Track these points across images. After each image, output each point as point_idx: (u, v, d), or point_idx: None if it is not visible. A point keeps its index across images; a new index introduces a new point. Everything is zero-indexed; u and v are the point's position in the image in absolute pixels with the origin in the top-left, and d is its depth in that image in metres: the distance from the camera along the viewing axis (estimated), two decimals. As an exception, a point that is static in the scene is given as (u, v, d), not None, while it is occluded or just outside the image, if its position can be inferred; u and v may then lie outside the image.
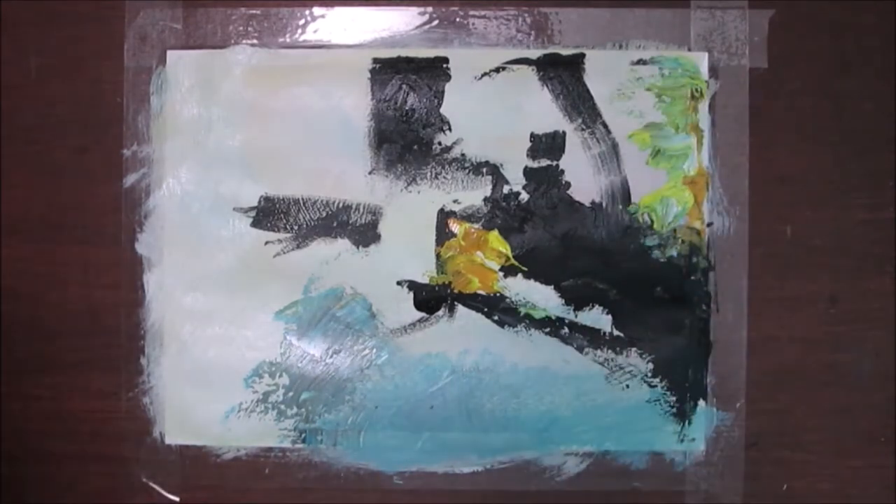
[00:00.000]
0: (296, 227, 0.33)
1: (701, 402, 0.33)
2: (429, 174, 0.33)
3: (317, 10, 0.33)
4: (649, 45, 0.33)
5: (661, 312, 0.33)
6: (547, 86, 0.33)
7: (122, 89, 0.33)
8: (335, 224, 0.33)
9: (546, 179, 0.33)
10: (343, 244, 0.33)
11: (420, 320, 0.33)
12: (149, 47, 0.33)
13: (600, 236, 0.33)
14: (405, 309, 0.33)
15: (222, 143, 0.33)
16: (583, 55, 0.33)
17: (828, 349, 0.33)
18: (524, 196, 0.33)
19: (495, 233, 0.33)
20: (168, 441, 0.33)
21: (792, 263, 0.33)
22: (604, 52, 0.33)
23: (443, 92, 0.33)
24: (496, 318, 0.32)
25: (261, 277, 0.33)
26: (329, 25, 0.33)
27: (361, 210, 0.33)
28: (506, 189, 0.33)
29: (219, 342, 0.33)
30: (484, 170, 0.33)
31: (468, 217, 0.33)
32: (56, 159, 0.33)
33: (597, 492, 0.33)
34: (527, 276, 0.33)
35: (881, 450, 0.33)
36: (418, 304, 0.33)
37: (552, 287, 0.33)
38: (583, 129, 0.33)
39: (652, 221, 0.32)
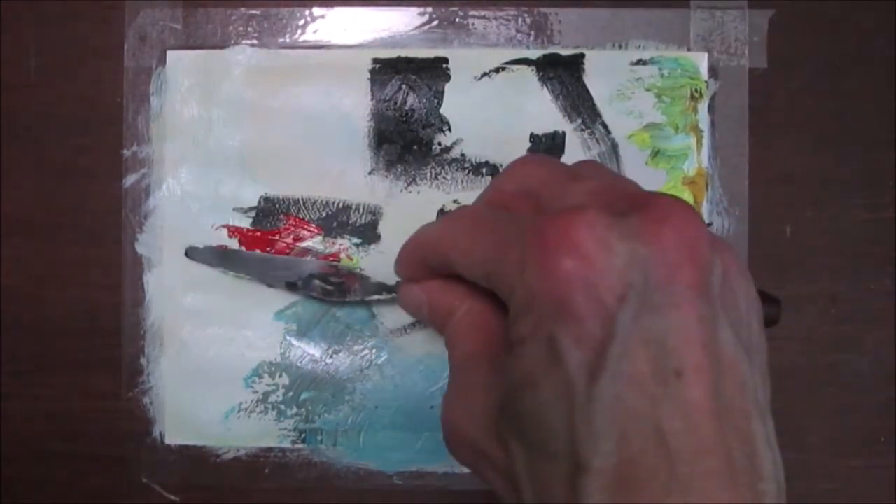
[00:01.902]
0: (296, 227, 0.33)
1: (701, 402, 0.32)
2: (429, 174, 0.33)
3: (317, 10, 0.33)
4: (649, 46, 0.33)
5: (661, 312, 0.32)
6: (547, 86, 0.33)
7: (122, 89, 0.33)
8: (335, 224, 0.33)
9: (546, 179, 0.33)
10: (343, 244, 0.33)
11: (420, 320, 0.33)
12: (149, 47, 0.33)
13: (600, 236, 0.32)
14: (405, 309, 0.33)
15: (222, 143, 0.33)
16: (583, 55, 0.33)
17: (828, 349, 0.33)
18: (524, 196, 0.33)
19: (495, 233, 0.33)
20: (168, 441, 0.33)
21: (792, 263, 0.33)
22: (604, 52, 0.33)
23: (443, 92, 0.33)
24: None
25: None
26: (329, 25, 0.33)
27: (361, 210, 0.33)
28: (506, 189, 0.33)
29: (219, 342, 0.33)
30: (484, 170, 0.33)
31: (468, 217, 0.33)
32: (56, 159, 0.33)
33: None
34: (527, 276, 0.33)
35: (881, 450, 0.33)
36: (418, 304, 0.33)
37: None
38: (583, 130, 0.33)
39: (652, 221, 0.32)
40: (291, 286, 0.32)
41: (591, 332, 0.17)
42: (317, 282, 0.31)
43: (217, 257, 0.32)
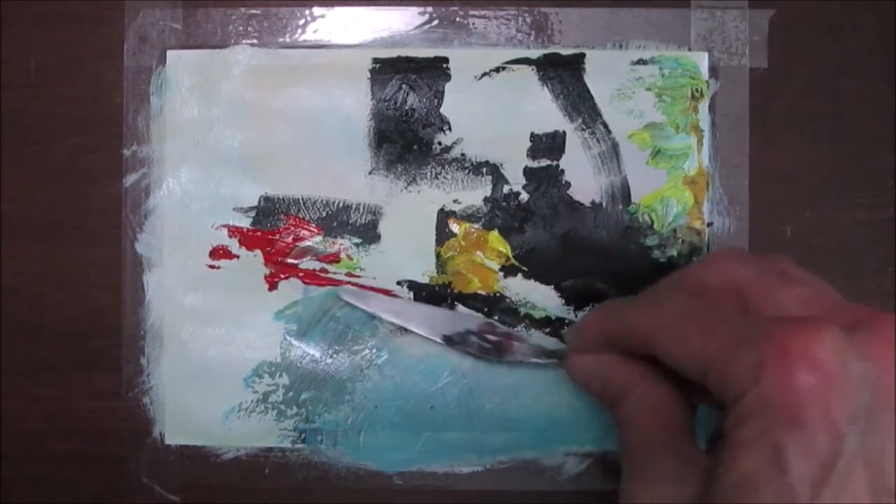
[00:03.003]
0: (296, 227, 0.33)
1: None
2: (429, 174, 0.33)
3: (317, 10, 0.33)
4: (649, 45, 0.33)
5: (662, 312, 0.33)
6: (547, 86, 0.33)
7: (122, 89, 0.33)
8: (335, 224, 0.33)
9: (546, 179, 0.33)
10: (343, 244, 0.33)
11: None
12: (149, 47, 0.33)
13: (600, 236, 0.33)
14: (405, 309, 0.33)
15: (222, 143, 0.33)
16: (583, 55, 0.33)
17: (828, 349, 0.33)
18: (524, 196, 0.33)
19: (495, 233, 0.33)
20: (168, 441, 0.33)
21: (792, 263, 0.33)
22: (604, 52, 0.33)
23: (443, 92, 0.33)
24: (496, 318, 0.32)
25: (261, 277, 0.33)
26: (329, 25, 0.33)
27: (361, 210, 0.33)
28: (506, 189, 0.33)
29: (219, 342, 0.33)
30: (484, 170, 0.33)
31: (468, 217, 0.33)
32: (56, 159, 0.33)
33: (597, 492, 0.33)
34: (527, 276, 0.33)
35: (881, 450, 0.33)
36: (418, 304, 0.33)
37: (552, 287, 0.33)
38: (583, 129, 0.33)
39: (652, 221, 0.32)
40: (448, 339, 0.31)
41: (821, 448, 0.18)
42: (474, 338, 0.31)
43: (369, 302, 0.32)
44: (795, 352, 0.19)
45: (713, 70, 0.33)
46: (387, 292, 0.33)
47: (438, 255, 0.33)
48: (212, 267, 0.33)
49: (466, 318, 0.32)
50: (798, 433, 0.18)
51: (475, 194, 0.33)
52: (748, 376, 0.20)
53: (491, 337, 0.31)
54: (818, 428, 0.18)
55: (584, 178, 0.33)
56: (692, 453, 0.23)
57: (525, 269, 0.33)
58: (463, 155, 0.33)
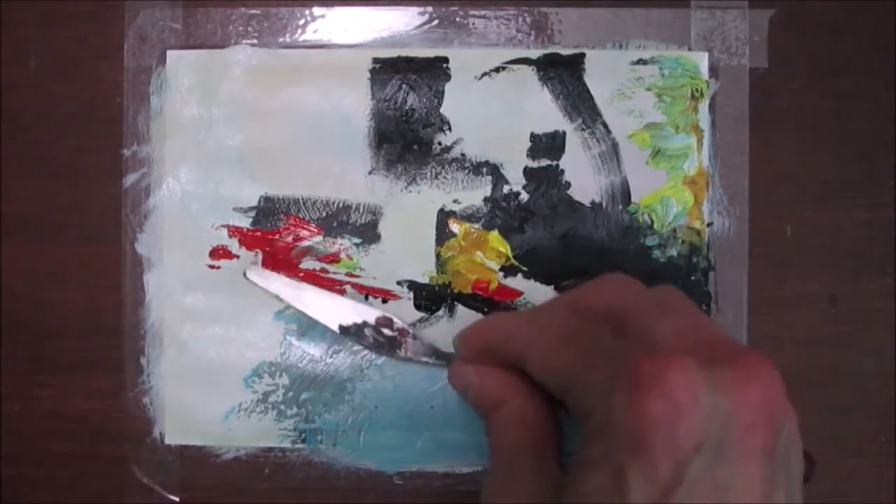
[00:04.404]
0: (296, 227, 0.33)
1: (701, 402, 0.32)
2: (429, 174, 0.33)
3: (317, 10, 0.33)
4: (649, 45, 0.33)
5: (661, 312, 0.32)
6: (547, 86, 0.33)
7: (122, 89, 0.33)
8: (335, 224, 0.33)
9: (546, 179, 0.33)
10: (343, 244, 0.33)
11: (420, 320, 0.33)
12: (149, 47, 0.33)
13: (600, 236, 0.33)
14: (405, 309, 0.33)
15: (222, 143, 0.33)
16: (583, 55, 0.33)
17: (828, 349, 0.33)
18: (524, 196, 0.33)
19: (495, 233, 0.33)
20: (168, 441, 0.33)
21: (792, 263, 0.33)
22: (604, 52, 0.33)
23: (443, 92, 0.33)
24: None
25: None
26: (329, 25, 0.33)
27: (361, 210, 0.33)
28: (506, 189, 0.33)
29: (219, 342, 0.33)
30: (484, 170, 0.33)
31: (468, 217, 0.33)
32: (56, 159, 0.33)
33: (597, 492, 0.33)
34: (527, 275, 0.33)
35: (881, 450, 0.33)
36: (418, 304, 0.33)
37: (552, 287, 0.33)
38: (583, 129, 0.33)
39: (652, 221, 0.32)
40: (343, 329, 0.32)
41: (662, 474, 0.18)
42: (369, 331, 0.31)
43: (271, 283, 0.32)
44: (646, 379, 0.19)
45: (713, 70, 0.33)
46: (387, 293, 0.33)
47: (438, 255, 0.33)
48: (212, 267, 0.33)
49: (365, 310, 0.32)
50: (641, 457, 0.19)
51: (475, 194, 0.33)
52: (600, 397, 0.20)
53: (386, 331, 0.31)
54: (661, 453, 0.18)
55: (584, 178, 0.33)
56: (551, 469, 0.24)
57: (525, 268, 0.33)
58: (463, 155, 0.33)
